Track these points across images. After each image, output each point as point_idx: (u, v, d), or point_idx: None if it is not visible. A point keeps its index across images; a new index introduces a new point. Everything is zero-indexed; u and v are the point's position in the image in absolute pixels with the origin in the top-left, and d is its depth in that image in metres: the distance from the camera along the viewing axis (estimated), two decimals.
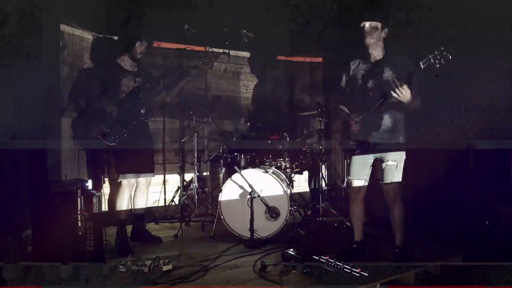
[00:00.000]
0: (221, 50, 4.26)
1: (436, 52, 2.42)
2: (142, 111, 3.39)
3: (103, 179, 4.14)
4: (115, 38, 4.12)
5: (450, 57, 2.40)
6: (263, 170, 3.54)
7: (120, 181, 3.31)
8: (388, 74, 2.72)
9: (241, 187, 3.49)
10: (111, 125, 3.22)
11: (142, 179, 3.45)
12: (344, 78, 3.03)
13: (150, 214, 4.29)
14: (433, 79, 3.00)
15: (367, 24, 2.78)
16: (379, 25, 2.78)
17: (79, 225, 2.48)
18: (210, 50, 3.62)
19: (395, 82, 2.52)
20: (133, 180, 3.36)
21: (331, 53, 5.28)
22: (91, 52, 4.22)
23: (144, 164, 3.44)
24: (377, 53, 2.83)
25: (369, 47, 2.82)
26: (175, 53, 4.06)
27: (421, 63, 2.48)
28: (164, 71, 3.75)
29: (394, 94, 2.53)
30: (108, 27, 4.17)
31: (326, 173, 4.40)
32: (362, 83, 2.87)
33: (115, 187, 3.41)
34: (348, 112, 2.91)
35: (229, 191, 3.53)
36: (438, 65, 2.42)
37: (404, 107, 2.70)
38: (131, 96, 3.34)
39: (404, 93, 2.51)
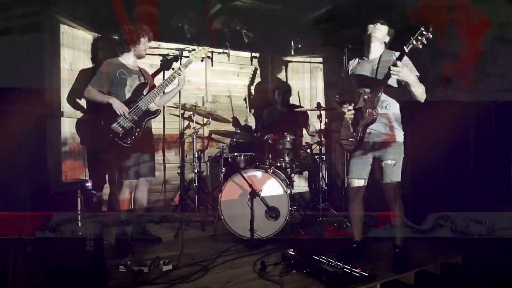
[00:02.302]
0: (221, 50, 4.27)
1: (417, 34, 2.46)
2: (151, 109, 3.41)
3: (106, 179, 4.17)
4: (117, 37, 4.13)
5: (431, 36, 2.43)
6: (263, 170, 3.54)
7: (122, 182, 3.31)
8: (385, 70, 2.74)
9: (241, 187, 3.49)
10: (126, 126, 3.23)
11: (143, 180, 3.45)
12: (342, 76, 3.06)
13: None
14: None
15: (377, 25, 2.81)
16: (387, 27, 2.83)
17: (79, 225, 2.48)
18: (203, 45, 3.62)
19: (390, 66, 2.54)
20: (134, 181, 3.36)
21: (332, 53, 5.30)
22: (93, 52, 4.23)
23: (146, 165, 3.45)
24: (377, 52, 2.84)
25: (373, 47, 2.84)
26: (175, 53, 4.07)
27: (405, 47, 2.52)
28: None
29: (393, 73, 2.53)
30: (109, 26, 4.19)
31: (326, 173, 4.40)
32: (360, 81, 2.88)
33: (117, 188, 3.41)
34: (344, 106, 2.92)
35: (229, 191, 3.53)
36: (421, 46, 2.47)
37: (402, 99, 2.72)
38: (137, 94, 3.35)
39: (401, 70, 2.51)
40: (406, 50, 2.52)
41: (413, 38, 2.48)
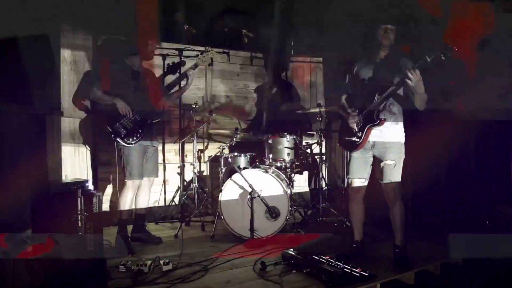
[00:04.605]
0: (221, 50, 4.27)
1: (442, 45, 2.41)
2: (155, 111, 3.41)
3: (109, 179, 4.18)
4: (123, 38, 4.12)
5: (456, 49, 2.39)
6: (263, 170, 3.54)
7: (125, 182, 3.32)
8: (391, 71, 2.73)
9: (241, 187, 3.49)
10: (128, 126, 3.23)
11: (145, 180, 3.45)
12: (348, 77, 3.05)
13: (150, 214, 4.30)
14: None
15: (388, 26, 2.79)
16: (394, 28, 2.81)
17: (79, 225, 2.48)
18: (209, 49, 3.63)
19: (408, 69, 2.52)
20: (137, 181, 3.36)
21: (332, 53, 5.30)
22: (98, 53, 4.24)
23: (149, 165, 3.45)
24: (384, 54, 2.84)
25: (383, 48, 2.83)
26: (175, 53, 4.07)
27: (427, 56, 2.48)
28: (165, 73, 3.76)
29: (408, 80, 2.51)
30: (112, 28, 4.19)
31: (326, 173, 4.40)
32: (365, 81, 2.88)
33: (119, 187, 3.41)
34: (349, 110, 2.93)
35: (229, 191, 3.53)
36: (444, 58, 2.43)
37: (405, 100, 2.71)
38: (141, 97, 3.34)
39: (415, 78, 2.50)
40: (428, 60, 2.47)
41: (438, 49, 2.42)
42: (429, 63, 2.49)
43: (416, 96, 2.64)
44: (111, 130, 3.19)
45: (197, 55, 3.62)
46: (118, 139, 3.20)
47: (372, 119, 2.77)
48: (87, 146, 4.09)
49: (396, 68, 2.73)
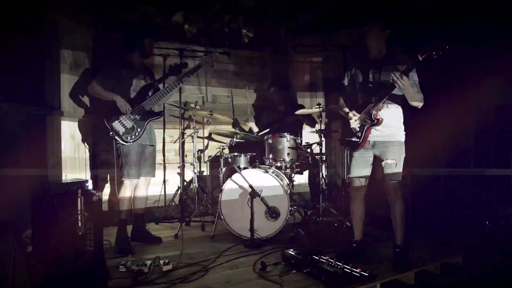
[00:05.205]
0: (221, 50, 4.28)
1: (433, 43, 2.42)
2: (155, 110, 3.41)
3: (107, 179, 4.18)
4: (122, 35, 4.12)
5: (448, 47, 2.39)
6: (263, 170, 3.54)
7: (123, 181, 3.31)
8: (388, 72, 2.73)
9: (241, 187, 3.49)
10: (127, 124, 3.23)
11: (142, 179, 3.45)
12: (346, 77, 3.06)
13: (150, 214, 4.30)
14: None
15: (368, 25, 2.81)
16: (380, 25, 2.81)
17: (79, 225, 2.48)
18: (213, 50, 3.62)
19: (395, 74, 2.54)
20: (135, 180, 3.36)
21: (332, 52, 5.30)
22: (97, 50, 4.23)
23: (147, 165, 3.45)
24: (378, 52, 2.84)
25: (370, 46, 2.86)
26: (175, 53, 4.07)
27: (419, 55, 2.48)
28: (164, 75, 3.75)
29: (396, 84, 2.53)
30: (110, 24, 4.19)
31: (326, 173, 4.40)
32: (363, 82, 2.88)
33: (117, 187, 3.40)
34: (348, 110, 2.93)
35: (229, 191, 3.53)
36: (436, 56, 2.43)
37: (404, 100, 2.72)
38: (142, 95, 3.34)
39: (404, 84, 2.52)
40: (420, 59, 2.47)
41: (429, 47, 2.42)
42: (421, 62, 2.50)
43: (408, 98, 2.66)
44: (109, 128, 3.19)
45: (198, 56, 3.62)
46: (116, 137, 3.20)
47: (370, 119, 2.77)
48: (86, 145, 4.10)
49: (394, 67, 2.73)
